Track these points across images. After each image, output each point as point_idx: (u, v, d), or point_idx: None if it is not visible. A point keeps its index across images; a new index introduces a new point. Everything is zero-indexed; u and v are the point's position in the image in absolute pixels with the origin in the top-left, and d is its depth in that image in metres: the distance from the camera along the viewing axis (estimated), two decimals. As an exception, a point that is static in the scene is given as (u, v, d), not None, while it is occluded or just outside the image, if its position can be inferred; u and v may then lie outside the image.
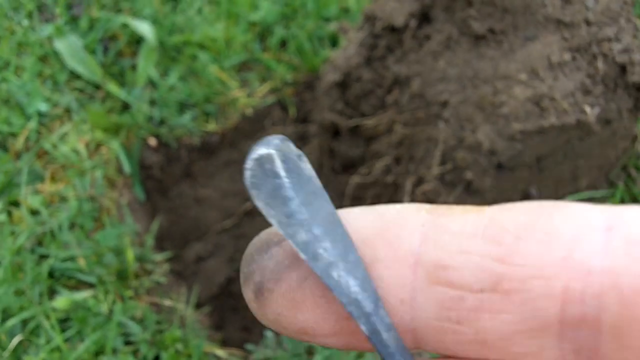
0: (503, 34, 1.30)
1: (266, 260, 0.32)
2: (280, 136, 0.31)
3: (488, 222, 0.29)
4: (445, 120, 1.31)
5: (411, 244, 0.30)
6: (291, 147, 0.31)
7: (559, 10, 1.26)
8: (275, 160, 0.30)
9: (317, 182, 0.32)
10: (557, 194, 1.42)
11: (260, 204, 0.30)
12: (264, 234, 0.33)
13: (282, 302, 0.32)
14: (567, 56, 1.26)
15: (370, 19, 1.45)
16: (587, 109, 1.23)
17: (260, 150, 0.30)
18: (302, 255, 0.29)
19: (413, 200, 1.40)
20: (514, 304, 0.28)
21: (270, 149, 0.30)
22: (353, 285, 0.29)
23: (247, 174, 0.30)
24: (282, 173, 0.30)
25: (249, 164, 0.30)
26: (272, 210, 0.30)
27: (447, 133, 1.31)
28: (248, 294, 0.33)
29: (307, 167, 0.32)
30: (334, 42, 1.83)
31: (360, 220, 0.31)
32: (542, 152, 1.29)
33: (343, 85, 1.50)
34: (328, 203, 0.31)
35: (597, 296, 0.27)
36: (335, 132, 1.57)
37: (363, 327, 0.29)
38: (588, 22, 1.25)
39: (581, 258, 0.27)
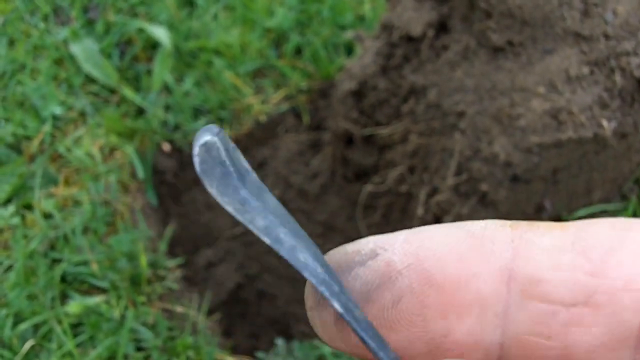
0: (521, 46, 1.29)
1: (350, 282, 0.32)
2: (218, 127, 0.30)
3: (575, 237, 0.29)
4: (462, 131, 1.31)
5: (504, 259, 0.30)
6: (228, 139, 0.31)
7: (578, 23, 1.26)
8: (220, 148, 0.29)
9: (255, 175, 0.31)
10: (570, 207, 1.41)
11: (213, 190, 0.29)
12: (335, 255, 0.33)
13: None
14: (585, 70, 1.25)
15: (387, 28, 1.45)
16: (604, 122, 1.23)
17: (206, 136, 0.29)
18: (266, 239, 0.29)
19: (427, 211, 1.39)
20: (603, 317, 0.28)
21: (214, 137, 0.29)
22: (318, 267, 0.29)
23: (197, 160, 0.29)
24: (227, 162, 0.30)
25: (197, 150, 0.29)
26: (225, 197, 0.29)
27: (463, 144, 1.30)
28: (325, 318, 0.32)
29: (244, 160, 0.31)
30: (349, 50, 1.82)
31: (452, 236, 0.31)
32: (558, 165, 1.29)
33: (358, 93, 1.50)
34: (271, 195, 0.31)
35: None
36: (348, 140, 1.57)
37: (336, 305, 0.29)
38: (607, 36, 1.24)
39: None
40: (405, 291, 0.31)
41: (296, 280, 1.58)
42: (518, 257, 0.30)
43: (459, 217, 1.35)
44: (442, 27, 1.38)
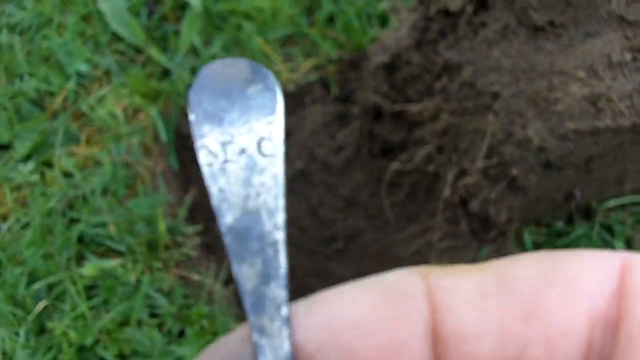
0: (563, 27, 1.24)
1: None
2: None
3: (499, 278, 0.25)
4: (495, 113, 1.27)
5: (426, 318, 0.25)
6: None
7: (623, 7, 1.21)
8: None
9: None
10: (600, 197, 1.38)
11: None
12: (220, 350, 0.26)
13: None
14: (627, 56, 1.21)
15: (424, 1, 1.40)
16: (644, 112, 1.19)
17: None
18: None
19: (454, 192, 1.36)
20: None
21: None
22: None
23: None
24: None
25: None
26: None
27: (496, 126, 1.27)
28: None
29: None
30: (383, 21, 1.78)
31: (364, 298, 0.25)
32: (593, 153, 1.25)
33: (390, 67, 1.46)
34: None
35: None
36: (377, 114, 1.54)
37: None
38: (653, 22, 1.20)
39: (603, 308, 0.24)
40: None
41: (312, 252, 1.55)
42: (439, 311, 0.25)
43: (486, 202, 1.32)
44: (481, 3, 1.34)
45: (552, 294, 0.24)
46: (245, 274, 0.25)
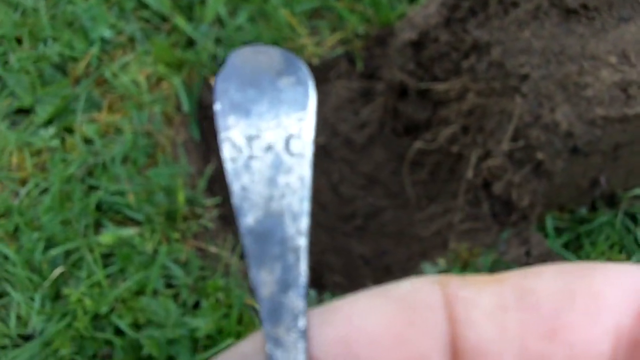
0: (596, 10, 1.22)
1: None
2: None
3: (519, 291, 0.24)
4: (523, 95, 1.25)
5: (445, 332, 0.24)
6: None
7: (659, -8, 1.18)
8: None
9: None
10: (626, 184, 1.36)
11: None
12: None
13: None
14: (661, 42, 1.19)
15: (455, -22, 1.38)
16: (676, 100, 1.16)
17: None
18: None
19: (477, 174, 1.34)
20: None
21: None
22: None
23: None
24: None
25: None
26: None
27: (524, 108, 1.24)
28: None
29: None
30: (412, -3, 1.75)
31: (381, 310, 0.24)
32: (621, 140, 1.23)
33: (418, 44, 1.44)
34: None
35: None
36: (402, 92, 1.52)
37: None
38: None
39: (628, 326, 0.23)
40: None
41: (332, 229, 1.54)
42: (458, 325, 0.24)
43: (509, 185, 1.30)
44: (513, -17, 1.31)
45: (576, 311, 0.23)
46: (264, 279, 0.24)
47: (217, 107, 0.26)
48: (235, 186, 0.25)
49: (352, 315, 0.24)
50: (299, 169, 0.25)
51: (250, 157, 0.25)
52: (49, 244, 1.32)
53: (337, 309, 0.24)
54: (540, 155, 1.24)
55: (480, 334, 0.23)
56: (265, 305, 0.24)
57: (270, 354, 0.23)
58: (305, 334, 0.23)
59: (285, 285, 0.24)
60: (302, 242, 0.24)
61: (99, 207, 1.38)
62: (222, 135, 0.25)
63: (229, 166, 0.25)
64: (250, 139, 0.25)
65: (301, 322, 0.23)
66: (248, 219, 0.24)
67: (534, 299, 0.23)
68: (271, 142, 0.25)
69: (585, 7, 1.22)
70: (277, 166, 0.25)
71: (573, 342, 0.23)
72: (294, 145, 0.25)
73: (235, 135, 0.25)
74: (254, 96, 0.26)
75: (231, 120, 0.26)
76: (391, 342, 0.23)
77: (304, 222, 0.24)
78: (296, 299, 0.24)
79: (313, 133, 0.26)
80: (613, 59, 1.18)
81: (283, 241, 0.24)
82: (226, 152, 0.25)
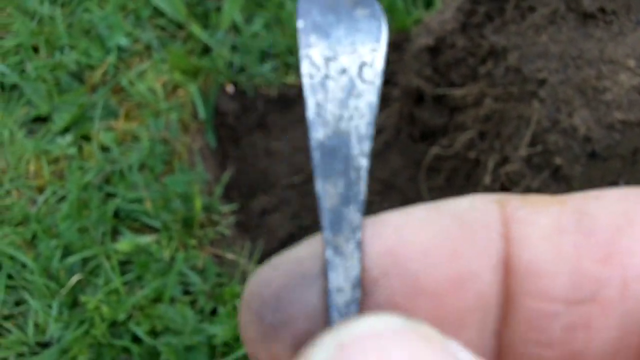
0: (614, 14, 1.21)
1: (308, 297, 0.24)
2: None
3: (579, 214, 0.24)
4: (541, 100, 1.24)
5: (500, 249, 0.24)
6: None
7: (678, -6, 1.17)
8: None
9: None
10: (646, 189, 1.34)
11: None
12: (285, 266, 0.24)
13: None
14: (680, 45, 1.18)
15: (471, -17, 1.38)
16: (696, 104, 1.16)
17: None
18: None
19: (495, 180, 1.33)
20: (614, 317, 0.23)
21: None
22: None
23: None
24: None
25: None
26: None
27: (541, 113, 1.24)
28: (279, 350, 0.24)
29: None
30: (428, 3, 1.75)
31: (436, 224, 0.24)
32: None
33: (434, 50, 1.44)
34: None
35: None
36: (419, 98, 1.51)
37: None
38: None
39: None
40: (386, 306, 0.24)
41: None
42: (513, 244, 0.24)
43: (527, 190, 1.30)
44: (530, -13, 1.31)
45: (633, 236, 0.23)
46: (328, 191, 0.25)
47: (300, 24, 0.27)
48: (310, 101, 0.26)
49: (404, 227, 0.24)
50: (368, 96, 0.26)
51: (326, 77, 0.26)
52: (67, 251, 1.32)
53: (388, 221, 0.25)
54: (558, 160, 1.23)
55: (534, 254, 0.24)
56: (328, 215, 0.25)
57: (330, 260, 0.24)
58: (360, 247, 0.24)
59: (346, 199, 0.25)
60: (364, 162, 0.26)
61: (116, 214, 1.38)
62: (303, 52, 0.27)
63: (306, 81, 0.26)
64: (327, 59, 0.27)
65: (358, 235, 0.24)
66: (319, 134, 0.26)
67: (592, 223, 0.23)
68: (346, 66, 0.27)
69: (602, 10, 1.21)
70: (349, 89, 0.26)
71: (627, 265, 0.23)
72: (367, 73, 0.27)
73: (314, 54, 0.27)
74: (333, 21, 0.27)
75: (312, 38, 0.27)
76: (442, 258, 0.24)
77: (367, 145, 0.26)
78: (355, 213, 0.25)
79: (384, 64, 0.27)
80: (631, 63, 1.17)
81: (348, 159, 0.25)
82: (305, 68, 0.26)
